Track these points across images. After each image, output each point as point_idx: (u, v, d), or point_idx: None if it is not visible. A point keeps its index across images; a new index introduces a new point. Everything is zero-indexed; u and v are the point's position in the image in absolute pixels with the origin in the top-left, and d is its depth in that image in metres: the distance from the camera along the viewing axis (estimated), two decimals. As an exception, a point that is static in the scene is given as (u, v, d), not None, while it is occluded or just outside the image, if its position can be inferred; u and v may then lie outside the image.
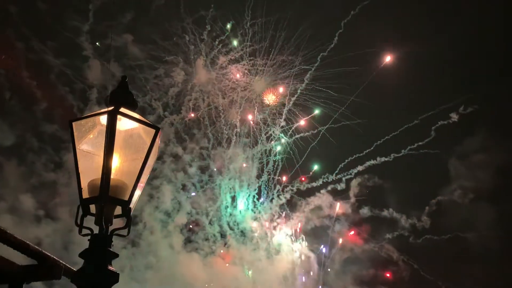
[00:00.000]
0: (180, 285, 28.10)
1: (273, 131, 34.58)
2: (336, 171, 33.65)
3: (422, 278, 30.91)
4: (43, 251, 4.59)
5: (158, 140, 4.85)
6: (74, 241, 26.44)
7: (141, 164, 4.73)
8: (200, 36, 33.26)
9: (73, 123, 4.79)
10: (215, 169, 33.50)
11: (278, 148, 34.43)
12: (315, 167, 34.54)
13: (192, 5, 32.70)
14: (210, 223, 31.88)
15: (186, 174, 32.22)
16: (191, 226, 31.49)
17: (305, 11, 33.29)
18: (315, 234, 32.74)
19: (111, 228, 4.57)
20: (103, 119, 4.74)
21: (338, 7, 33.17)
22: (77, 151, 4.72)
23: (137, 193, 4.73)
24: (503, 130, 32.40)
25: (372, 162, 33.31)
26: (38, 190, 27.33)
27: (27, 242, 4.40)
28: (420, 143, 32.72)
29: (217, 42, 33.71)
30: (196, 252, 30.30)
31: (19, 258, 4.61)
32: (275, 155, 34.34)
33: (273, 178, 33.90)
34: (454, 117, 32.00)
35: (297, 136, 34.85)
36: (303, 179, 34.02)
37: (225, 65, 34.24)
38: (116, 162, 4.67)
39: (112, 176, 4.57)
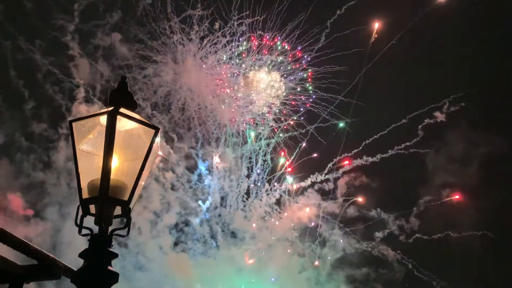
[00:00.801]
0: (169, 286, 28.10)
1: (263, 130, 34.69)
2: (325, 171, 33.83)
3: (416, 277, 31.05)
4: (43, 251, 4.59)
5: (157, 140, 4.88)
6: (62, 241, 26.28)
7: (140, 164, 4.74)
8: (188, 36, 33.23)
9: (73, 123, 4.79)
10: (204, 169, 33.45)
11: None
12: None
13: (178, 5, 32.65)
14: (200, 224, 31.89)
15: (174, 173, 32.15)
16: (180, 227, 31.43)
17: (291, 11, 33.43)
18: (305, 234, 32.85)
19: (110, 228, 4.59)
20: (103, 119, 4.74)
21: (324, 7, 33.37)
22: (77, 151, 4.73)
23: (137, 193, 4.74)
24: (489, 128, 32.70)
25: (360, 161, 33.52)
26: (26, 190, 27.11)
27: (27, 242, 4.40)
28: (408, 143, 33.02)
29: (205, 42, 33.71)
30: (186, 253, 30.32)
31: (19, 258, 4.61)
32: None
33: (262, 178, 34.02)
34: (440, 116, 32.29)
35: (286, 135, 34.97)
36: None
37: (214, 64, 34.27)
38: (115, 162, 4.68)
39: (111, 176, 4.58)
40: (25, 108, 28.57)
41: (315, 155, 34.66)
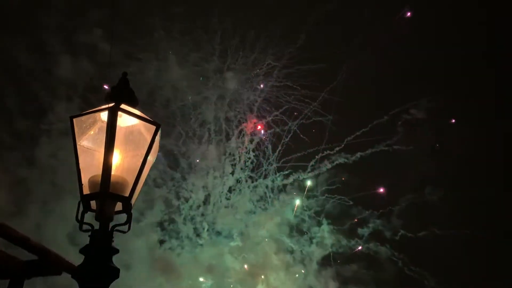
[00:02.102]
0: (155, 284, 28.01)
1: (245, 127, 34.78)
2: (308, 170, 34.01)
3: (407, 275, 31.19)
4: (44, 246, 4.59)
5: (158, 137, 4.91)
6: (44, 239, 26.00)
7: (141, 161, 4.77)
8: (171, 33, 33.10)
9: (74, 119, 4.80)
10: (186, 166, 33.39)
11: None
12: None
13: (160, 2, 32.49)
14: (184, 222, 31.82)
15: (157, 170, 31.98)
16: (165, 226, 31.31)
17: (274, 10, 33.53)
18: (291, 230, 32.97)
19: (111, 224, 4.60)
20: (104, 115, 4.77)
21: (305, 7, 33.54)
22: (78, 147, 4.74)
23: (138, 189, 4.77)
24: (469, 125, 33.08)
25: (340, 160, 33.73)
26: (10, 187, 26.64)
27: (28, 236, 4.40)
28: (389, 141, 33.33)
29: (188, 39, 33.64)
30: (172, 250, 30.26)
31: (20, 254, 4.60)
32: None
33: (246, 174, 34.08)
34: (418, 113, 32.65)
35: (269, 131, 35.04)
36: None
37: (198, 62, 34.22)
38: (116, 158, 4.71)
39: (112, 173, 4.60)
40: (8, 105, 28.12)
41: (298, 154, 34.77)
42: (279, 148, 34.88)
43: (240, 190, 33.68)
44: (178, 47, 33.30)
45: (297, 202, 33.32)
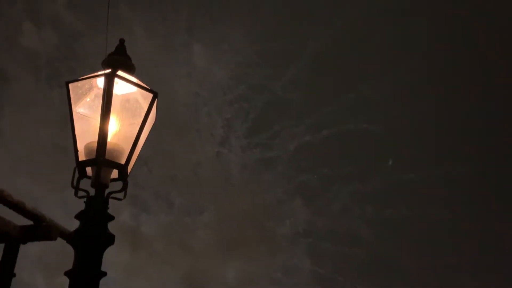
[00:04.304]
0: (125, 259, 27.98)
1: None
2: (276, 147, 34.17)
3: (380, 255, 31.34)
4: (40, 212, 4.58)
5: (155, 105, 4.90)
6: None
7: (138, 129, 4.75)
8: (136, 5, 32.36)
9: (70, 85, 4.73)
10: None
11: None
12: None
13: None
14: (153, 197, 31.66)
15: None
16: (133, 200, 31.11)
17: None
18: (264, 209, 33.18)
19: (107, 191, 4.60)
20: (100, 81, 4.72)
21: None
22: (74, 113, 4.69)
23: (134, 157, 4.77)
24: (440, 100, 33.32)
25: (308, 138, 33.89)
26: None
27: (23, 201, 4.38)
28: (357, 120, 33.48)
29: (154, 12, 33.02)
30: (141, 226, 30.16)
31: (15, 218, 4.57)
32: None
33: (215, 151, 34.10)
34: (387, 90, 32.76)
35: (236, 106, 34.90)
36: None
37: (165, 35, 33.69)
38: (113, 126, 4.67)
39: (109, 140, 4.58)
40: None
41: (267, 131, 34.86)
42: (247, 124, 34.88)
43: (209, 165, 33.68)
44: (144, 19, 32.62)
45: (267, 178, 33.56)
